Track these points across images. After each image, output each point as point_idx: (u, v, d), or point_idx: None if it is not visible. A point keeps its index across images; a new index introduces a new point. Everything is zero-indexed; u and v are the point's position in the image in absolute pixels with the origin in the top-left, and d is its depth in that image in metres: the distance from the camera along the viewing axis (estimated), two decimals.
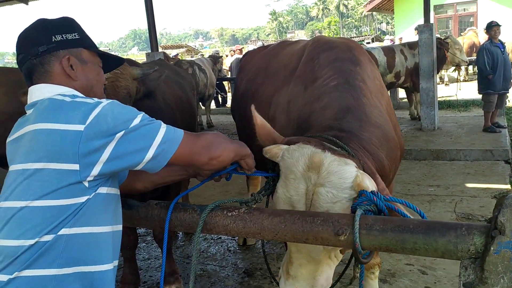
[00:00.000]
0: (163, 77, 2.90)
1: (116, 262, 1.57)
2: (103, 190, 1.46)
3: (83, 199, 1.40)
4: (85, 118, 1.37)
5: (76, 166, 1.36)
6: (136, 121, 1.42)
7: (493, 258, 1.24)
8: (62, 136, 1.36)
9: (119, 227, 1.60)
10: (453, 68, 10.93)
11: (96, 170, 1.39)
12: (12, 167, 1.46)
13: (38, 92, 1.52)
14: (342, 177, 1.57)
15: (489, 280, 1.26)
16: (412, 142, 7.38)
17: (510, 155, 6.56)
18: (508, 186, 5.42)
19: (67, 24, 1.61)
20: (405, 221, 1.40)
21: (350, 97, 2.03)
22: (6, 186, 1.45)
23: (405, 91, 9.88)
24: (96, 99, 1.46)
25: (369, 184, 1.56)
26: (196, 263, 1.66)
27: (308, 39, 3.72)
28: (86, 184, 1.40)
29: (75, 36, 1.59)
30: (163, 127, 1.47)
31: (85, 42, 1.62)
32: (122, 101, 1.79)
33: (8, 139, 1.53)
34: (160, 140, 1.44)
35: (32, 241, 1.36)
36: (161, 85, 2.98)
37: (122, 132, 1.38)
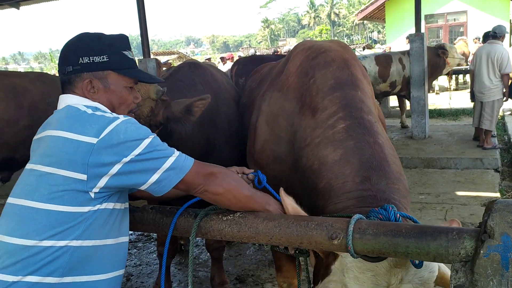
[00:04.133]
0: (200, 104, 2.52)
1: (118, 272, 1.59)
2: (109, 205, 1.51)
3: (86, 208, 1.44)
4: (99, 132, 1.43)
5: (83, 176, 1.42)
6: (146, 142, 1.47)
7: (482, 261, 1.27)
8: (75, 146, 1.43)
9: (125, 239, 1.62)
10: (446, 77, 11.07)
11: (102, 183, 1.44)
12: (27, 166, 1.54)
13: (65, 101, 1.60)
14: (432, 270, 1.51)
15: (479, 283, 1.28)
16: (403, 150, 7.45)
17: (499, 163, 6.65)
18: (498, 194, 5.49)
19: (100, 45, 1.62)
20: (397, 225, 1.43)
21: (367, 146, 1.81)
22: (18, 183, 1.53)
23: (398, 99, 9.95)
24: (114, 115, 1.52)
25: (448, 272, 1.52)
26: (192, 265, 1.67)
27: None
28: (92, 195, 1.44)
29: (103, 58, 1.61)
30: (174, 155, 1.51)
31: (114, 64, 1.63)
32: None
33: (34, 138, 1.61)
34: (167, 167, 1.49)
35: (33, 242, 1.40)
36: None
37: (132, 152, 1.43)
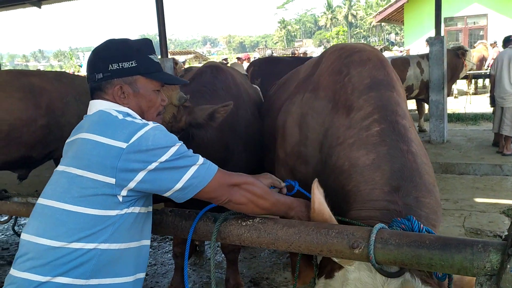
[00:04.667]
0: (222, 111, 2.46)
1: (140, 275, 1.61)
2: (136, 209, 1.53)
3: (114, 212, 1.47)
4: (129, 137, 1.46)
5: (112, 180, 1.44)
6: (173, 149, 1.49)
7: (509, 276, 1.23)
8: (105, 150, 1.45)
9: (147, 242, 1.64)
10: (464, 80, 10.93)
11: (129, 187, 1.47)
12: (58, 167, 1.57)
13: (96, 106, 1.63)
14: None
15: None
16: None
17: None
18: None
19: (128, 51, 1.66)
20: (421, 236, 1.40)
21: (400, 154, 1.75)
22: (49, 184, 1.56)
23: (416, 102, 9.83)
24: (144, 121, 1.55)
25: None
26: (214, 271, 1.68)
27: (317, 48, 3.48)
28: (120, 198, 1.47)
29: (131, 64, 1.64)
30: (198, 163, 1.53)
31: (142, 69, 1.66)
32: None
33: (66, 141, 1.64)
34: (191, 175, 1.51)
35: (62, 244, 1.43)
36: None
37: (158, 159, 1.46)
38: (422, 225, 1.49)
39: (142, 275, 1.63)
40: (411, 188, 1.66)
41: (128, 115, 1.58)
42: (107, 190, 1.45)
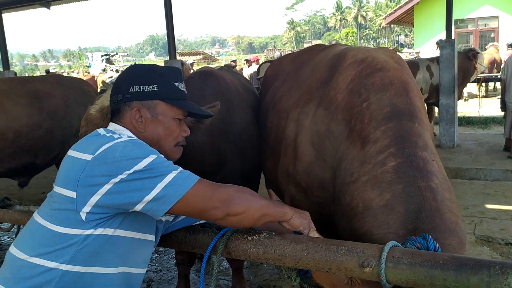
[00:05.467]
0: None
1: None
2: (107, 231, 1.43)
3: (78, 231, 1.39)
4: (96, 149, 1.40)
5: (73, 194, 1.39)
6: (146, 161, 1.38)
7: None
8: (72, 163, 1.42)
9: (136, 270, 1.57)
10: (475, 84, 10.80)
11: (92, 202, 1.37)
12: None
13: (110, 128, 1.60)
14: None
15: None
16: None
17: None
18: None
19: (151, 75, 1.62)
20: (434, 255, 1.34)
21: (417, 193, 1.60)
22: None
23: (426, 106, 9.73)
24: (119, 135, 1.49)
25: None
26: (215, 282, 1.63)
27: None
28: (83, 216, 1.38)
29: (152, 88, 1.59)
30: (175, 172, 1.41)
31: (163, 94, 1.61)
32: None
33: None
34: (166, 183, 1.37)
35: (24, 257, 1.41)
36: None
37: (125, 171, 1.36)
38: (438, 245, 1.43)
39: None
40: (429, 230, 1.52)
41: (115, 133, 1.52)
42: (69, 205, 1.39)
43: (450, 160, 7.26)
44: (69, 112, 4.53)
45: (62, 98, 4.53)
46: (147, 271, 4.06)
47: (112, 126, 1.61)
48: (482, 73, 9.76)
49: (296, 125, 2.30)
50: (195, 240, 1.70)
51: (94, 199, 1.37)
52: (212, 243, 1.62)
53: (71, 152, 1.47)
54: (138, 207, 1.39)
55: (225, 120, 2.83)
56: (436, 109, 9.14)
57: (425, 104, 9.57)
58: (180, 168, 1.44)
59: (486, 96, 14.73)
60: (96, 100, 1.99)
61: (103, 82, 15.82)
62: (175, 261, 3.47)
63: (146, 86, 1.59)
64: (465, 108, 12.63)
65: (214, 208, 1.42)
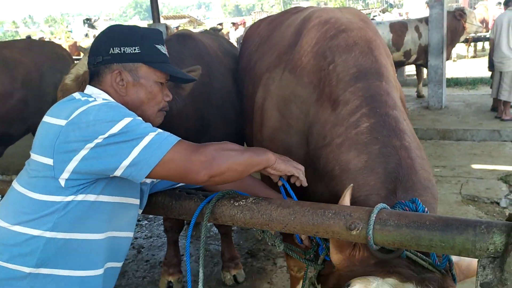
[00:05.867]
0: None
1: (112, 264, 1.53)
2: (89, 197, 1.40)
3: (58, 198, 1.37)
4: (70, 114, 1.35)
5: (50, 161, 1.36)
6: (122, 123, 1.33)
7: None
8: (47, 129, 1.39)
9: (121, 234, 1.55)
10: (463, 44, 10.74)
11: (69, 169, 1.34)
12: None
13: (87, 92, 1.54)
14: None
15: (509, 282, 1.19)
16: (418, 121, 7.29)
17: None
18: None
19: (132, 36, 1.55)
20: (421, 216, 1.34)
21: (393, 152, 1.62)
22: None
23: (415, 67, 9.69)
24: (94, 98, 1.44)
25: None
26: (203, 254, 1.61)
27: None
28: (62, 182, 1.36)
29: (134, 50, 1.53)
30: (152, 134, 1.35)
31: (145, 57, 1.55)
32: None
33: None
34: (143, 146, 1.32)
35: (5, 225, 1.39)
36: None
37: (100, 135, 1.31)
38: (426, 209, 1.43)
39: (115, 264, 1.56)
40: (407, 188, 1.55)
41: (91, 97, 1.46)
42: (47, 172, 1.36)
43: (438, 121, 7.30)
44: (43, 80, 4.30)
45: (34, 66, 4.29)
46: (137, 238, 4.08)
47: (89, 89, 1.55)
48: (475, 32, 9.67)
49: (264, 91, 2.28)
50: (181, 207, 1.68)
51: (72, 165, 1.34)
52: (198, 209, 1.60)
53: (46, 118, 1.42)
54: (117, 173, 1.35)
55: (206, 84, 2.76)
56: (425, 70, 9.11)
57: (414, 66, 9.54)
58: (159, 130, 1.39)
59: (474, 57, 14.70)
60: (71, 69, 1.90)
61: (79, 46, 14.58)
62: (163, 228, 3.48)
63: (127, 48, 1.52)
64: (454, 68, 12.61)
65: (196, 173, 1.37)
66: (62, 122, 1.34)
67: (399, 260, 1.40)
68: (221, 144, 1.46)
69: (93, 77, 1.57)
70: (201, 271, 1.59)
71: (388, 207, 1.41)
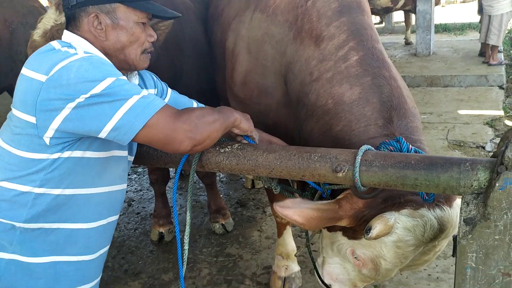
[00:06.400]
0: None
1: (106, 220, 1.52)
2: (76, 153, 1.37)
3: (44, 156, 1.33)
4: (50, 69, 1.28)
5: (33, 119, 1.31)
6: (105, 83, 1.26)
7: (497, 194, 1.19)
8: (27, 84, 1.31)
9: (114, 188, 1.52)
10: None
11: (53, 127, 1.30)
12: None
13: (66, 38, 1.45)
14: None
15: (492, 216, 1.21)
16: (406, 69, 7.26)
17: (504, 80, 6.50)
18: (502, 112, 5.41)
19: None
20: (406, 156, 1.34)
21: (385, 82, 1.64)
22: None
23: (404, 13, 9.52)
24: (76, 51, 1.34)
25: None
26: (191, 198, 1.61)
27: None
28: (47, 140, 1.32)
29: None
30: (136, 96, 1.29)
31: None
32: None
33: None
34: (127, 109, 1.27)
35: None
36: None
37: (82, 94, 1.25)
38: (411, 146, 1.43)
39: (112, 218, 1.56)
40: (401, 116, 1.58)
41: (71, 46, 1.37)
42: (31, 130, 1.31)
43: (425, 68, 7.27)
44: (14, 39, 3.96)
45: (3, 24, 3.93)
46: (127, 192, 4.09)
47: (68, 36, 1.46)
48: None
49: (234, 35, 2.21)
50: (167, 156, 1.66)
51: (55, 124, 1.29)
52: (185, 157, 1.59)
53: (24, 71, 1.34)
54: (102, 135, 1.31)
55: (177, 33, 2.64)
56: (413, 16, 8.96)
57: (403, 12, 9.37)
58: (144, 92, 1.34)
59: (464, 1, 14.46)
60: (38, 23, 1.77)
61: None
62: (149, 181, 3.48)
63: None
64: (442, 13, 12.42)
65: (180, 142, 1.33)
66: (42, 78, 1.27)
67: None
68: (201, 111, 1.42)
69: (70, 21, 1.47)
70: (188, 214, 1.60)
71: (373, 148, 1.41)
